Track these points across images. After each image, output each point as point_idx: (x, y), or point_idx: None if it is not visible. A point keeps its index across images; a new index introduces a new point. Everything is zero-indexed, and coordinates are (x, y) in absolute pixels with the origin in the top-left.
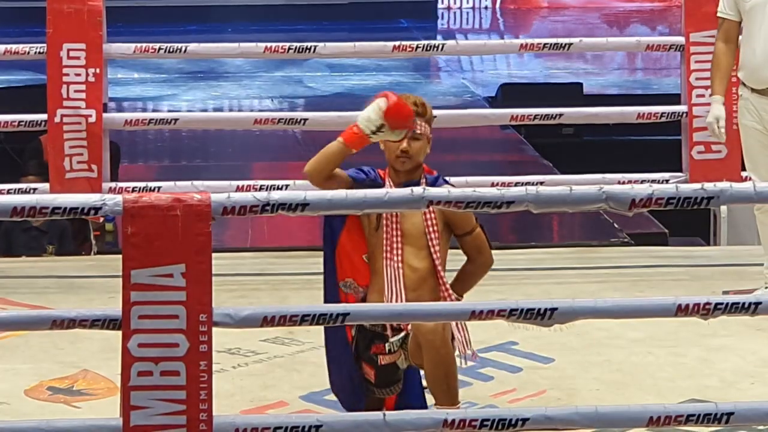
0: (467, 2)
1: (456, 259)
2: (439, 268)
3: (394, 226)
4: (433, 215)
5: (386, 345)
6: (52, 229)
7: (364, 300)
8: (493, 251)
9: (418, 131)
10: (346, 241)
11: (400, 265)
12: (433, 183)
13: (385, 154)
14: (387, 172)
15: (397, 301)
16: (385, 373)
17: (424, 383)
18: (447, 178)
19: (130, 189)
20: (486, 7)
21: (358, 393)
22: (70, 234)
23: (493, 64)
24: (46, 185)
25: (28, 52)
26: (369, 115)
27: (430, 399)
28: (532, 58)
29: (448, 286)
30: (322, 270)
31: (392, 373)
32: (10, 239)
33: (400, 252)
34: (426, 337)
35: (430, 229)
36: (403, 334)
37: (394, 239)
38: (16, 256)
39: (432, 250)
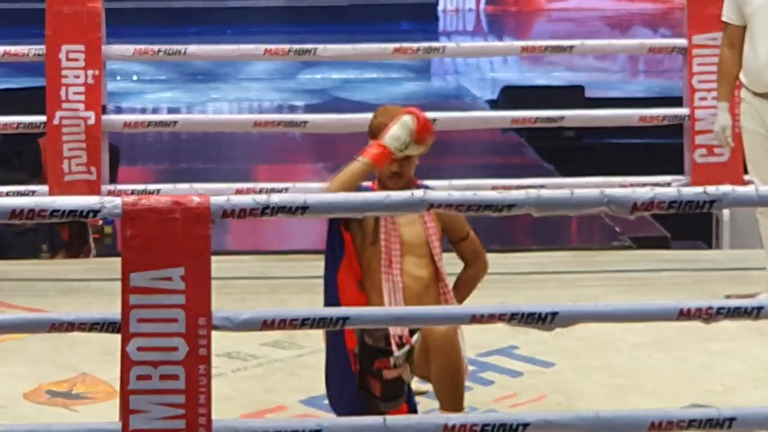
0: (451, 4)
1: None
2: (444, 274)
3: (393, 237)
4: (432, 223)
5: (391, 359)
6: (42, 227)
7: None
8: (495, 254)
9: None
10: (343, 270)
11: (399, 277)
12: None
13: (376, 171)
14: (376, 186)
15: None
16: (392, 387)
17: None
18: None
19: (129, 191)
20: (470, 9)
21: (356, 405)
22: (57, 230)
23: (493, 66)
24: (45, 187)
25: (27, 54)
26: (398, 134)
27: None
28: (535, 60)
29: (452, 294)
30: (322, 273)
31: (398, 386)
32: (4, 244)
33: (399, 263)
34: (436, 343)
35: (432, 237)
36: (407, 347)
37: (393, 251)
38: (13, 260)
39: (436, 258)
